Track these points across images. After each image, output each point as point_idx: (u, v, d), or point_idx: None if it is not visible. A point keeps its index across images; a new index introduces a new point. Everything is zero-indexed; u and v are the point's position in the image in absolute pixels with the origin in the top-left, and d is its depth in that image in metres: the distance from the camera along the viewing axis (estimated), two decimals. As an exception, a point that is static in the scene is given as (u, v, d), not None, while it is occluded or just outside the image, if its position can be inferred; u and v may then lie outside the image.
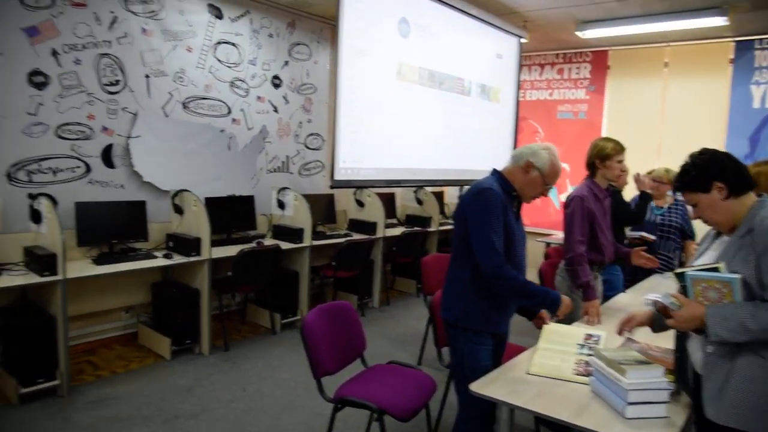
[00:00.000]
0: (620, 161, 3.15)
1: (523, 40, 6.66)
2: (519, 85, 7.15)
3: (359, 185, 5.45)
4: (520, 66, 7.07)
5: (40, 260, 3.29)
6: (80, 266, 3.63)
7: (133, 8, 4.19)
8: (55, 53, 3.81)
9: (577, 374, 2.09)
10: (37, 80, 3.74)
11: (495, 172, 2.35)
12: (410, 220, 6.42)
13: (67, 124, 3.90)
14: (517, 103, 7.15)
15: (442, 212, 6.60)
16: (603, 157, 3.12)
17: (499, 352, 2.45)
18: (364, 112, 4.95)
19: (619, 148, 3.13)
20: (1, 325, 3.56)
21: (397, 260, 5.98)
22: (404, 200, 6.72)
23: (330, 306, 2.71)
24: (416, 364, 3.96)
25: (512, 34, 6.43)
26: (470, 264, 2.24)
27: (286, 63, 5.43)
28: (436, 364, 3.00)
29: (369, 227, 5.51)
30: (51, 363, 3.39)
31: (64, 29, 3.83)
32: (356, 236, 5.34)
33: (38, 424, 3.12)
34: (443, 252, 5.88)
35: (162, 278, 4.40)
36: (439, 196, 6.66)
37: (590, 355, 2.12)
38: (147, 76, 4.32)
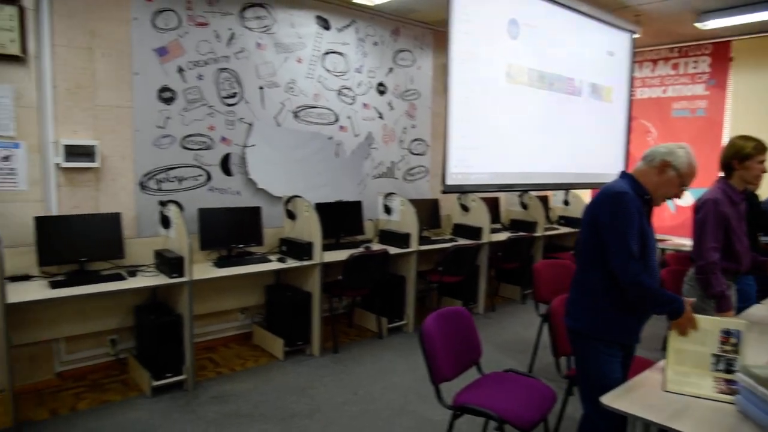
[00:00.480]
0: (761, 161, 2.88)
1: (635, 36, 6.31)
2: (632, 83, 6.76)
3: (470, 190, 5.39)
4: (633, 63, 6.69)
5: (169, 263, 3.52)
6: (203, 269, 3.86)
7: (249, 24, 4.42)
8: (180, 70, 4.09)
9: (720, 392, 1.91)
10: (166, 96, 4.04)
11: (625, 174, 2.23)
12: (515, 224, 6.27)
13: (191, 135, 4.18)
14: (630, 102, 6.77)
15: (547, 217, 6.38)
16: (742, 157, 2.87)
17: (627, 364, 2.31)
18: (475, 115, 4.92)
19: (762, 148, 2.86)
20: (136, 321, 3.88)
21: (502, 266, 5.85)
22: (509, 205, 6.57)
23: (447, 311, 2.68)
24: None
25: (624, 29, 6.11)
26: (601, 271, 2.13)
27: (391, 70, 5.49)
28: (549, 373, 2.89)
29: (474, 232, 5.43)
30: (178, 359, 3.63)
31: (188, 47, 4.11)
32: (461, 241, 5.28)
33: (168, 415, 3.33)
34: (550, 257, 5.69)
35: (275, 281, 4.59)
36: (544, 201, 6.45)
37: (730, 370, 1.95)
38: (261, 88, 4.54)
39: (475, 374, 2.78)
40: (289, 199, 4.49)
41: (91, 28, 3.69)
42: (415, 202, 4.99)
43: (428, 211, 5.49)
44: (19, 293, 3.12)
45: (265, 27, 4.52)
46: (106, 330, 3.87)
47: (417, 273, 4.94)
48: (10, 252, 3.29)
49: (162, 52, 4.00)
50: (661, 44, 6.88)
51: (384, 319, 4.81)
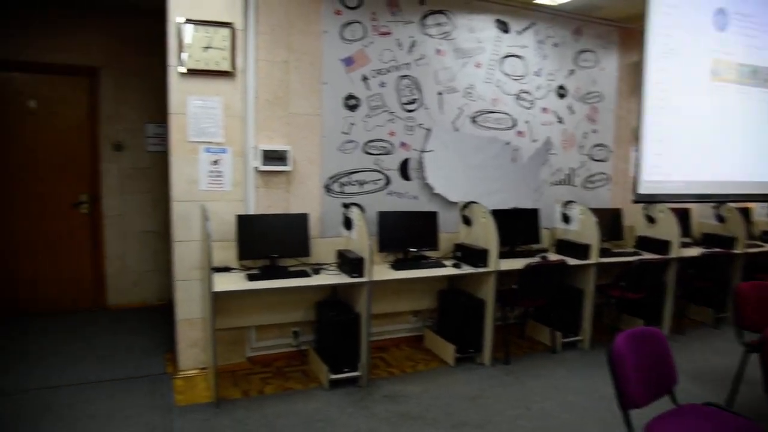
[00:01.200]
0: None
1: None
2: None
3: (664, 200, 4.93)
4: None
5: (350, 263, 3.68)
6: (381, 270, 3.97)
7: (429, 31, 4.48)
8: (364, 78, 4.27)
9: None
10: (351, 103, 4.24)
11: None
12: (708, 239, 5.58)
13: (372, 140, 4.35)
14: None
15: (748, 232, 5.58)
16: None
17: None
18: (672, 118, 4.50)
19: None
20: (317, 316, 4.11)
21: (692, 284, 5.23)
22: (701, 216, 5.88)
23: (641, 332, 2.45)
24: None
25: None
26: None
27: (572, 72, 5.21)
28: (754, 411, 2.50)
29: (660, 246, 4.94)
30: (354, 355, 3.77)
31: (372, 56, 4.28)
32: (646, 255, 4.83)
33: (344, 409, 3.47)
34: (754, 278, 4.96)
35: (448, 286, 4.58)
36: (745, 213, 5.66)
37: None
38: (440, 94, 4.57)
39: (667, 404, 2.50)
40: (466, 205, 4.46)
41: (288, 43, 4.00)
42: (595, 212, 4.67)
43: (609, 222, 5.11)
44: (222, 283, 3.47)
45: (444, 33, 4.55)
46: (290, 322, 4.15)
47: (595, 287, 4.61)
48: (216, 246, 3.67)
49: (348, 62, 4.21)
50: None
51: (558, 333, 4.56)
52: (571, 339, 4.62)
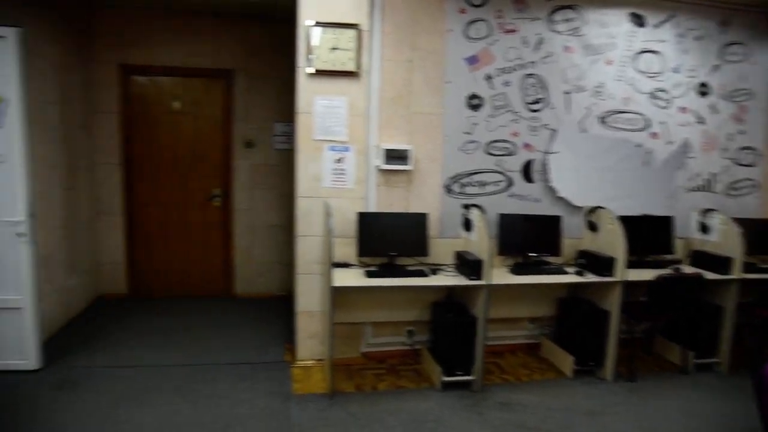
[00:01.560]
0: None
1: None
2: None
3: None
4: None
5: (469, 265, 3.62)
6: (499, 274, 3.87)
7: (557, 28, 4.29)
8: (488, 77, 4.18)
9: None
10: (474, 103, 4.17)
11: None
12: None
13: (495, 141, 4.25)
14: None
15: None
16: None
17: None
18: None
19: None
20: (432, 317, 4.09)
21: None
22: None
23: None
24: None
25: None
26: None
27: (716, 67, 4.76)
28: None
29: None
30: (468, 359, 3.71)
31: (497, 55, 4.18)
32: (802, 272, 4.32)
33: (456, 412, 3.42)
34: None
35: (568, 294, 4.37)
36: None
37: None
38: (567, 93, 4.37)
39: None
40: (592, 210, 4.23)
41: (412, 42, 4.01)
42: (739, 221, 4.24)
43: (756, 234, 4.60)
44: (342, 278, 3.56)
45: (573, 29, 4.34)
46: (405, 321, 4.17)
47: (737, 305, 4.19)
48: (336, 242, 3.77)
49: (472, 60, 4.14)
50: None
51: (691, 352, 4.19)
52: (706, 360, 4.23)
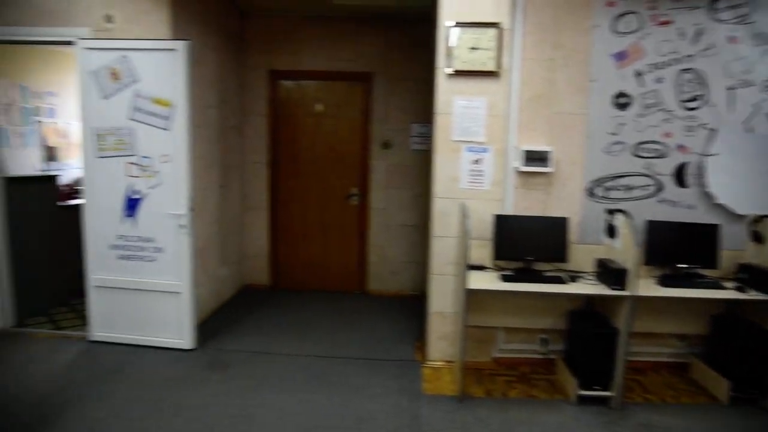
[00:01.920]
0: None
1: None
2: None
3: None
4: None
5: (612, 273, 3.41)
6: (645, 285, 3.61)
7: (720, 16, 3.90)
8: (638, 74, 3.91)
9: None
10: (621, 101, 3.92)
11: None
12: None
13: (644, 142, 3.96)
14: None
15: None
16: None
17: None
18: None
19: None
20: (569, 326, 3.92)
21: None
22: None
23: None
24: None
25: None
26: None
27: None
28: None
29: None
30: (607, 373, 3.49)
31: (649, 49, 3.89)
32: None
33: (591, 429, 3.24)
34: None
35: (725, 311, 3.96)
36: None
37: None
38: (730, 89, 3.96)
39: None
40: (758, 219, 3.80)
41: (555, 40, 3.86)
42: None
43: None
44: (476, 281, 3.52)
45: (740, 17, 3.91)
46: (539, 328, 4.03)
47: None
48: (472, 244, 3.73)
49: (620, 56, 3.90)
50: None
51: None
52: None
